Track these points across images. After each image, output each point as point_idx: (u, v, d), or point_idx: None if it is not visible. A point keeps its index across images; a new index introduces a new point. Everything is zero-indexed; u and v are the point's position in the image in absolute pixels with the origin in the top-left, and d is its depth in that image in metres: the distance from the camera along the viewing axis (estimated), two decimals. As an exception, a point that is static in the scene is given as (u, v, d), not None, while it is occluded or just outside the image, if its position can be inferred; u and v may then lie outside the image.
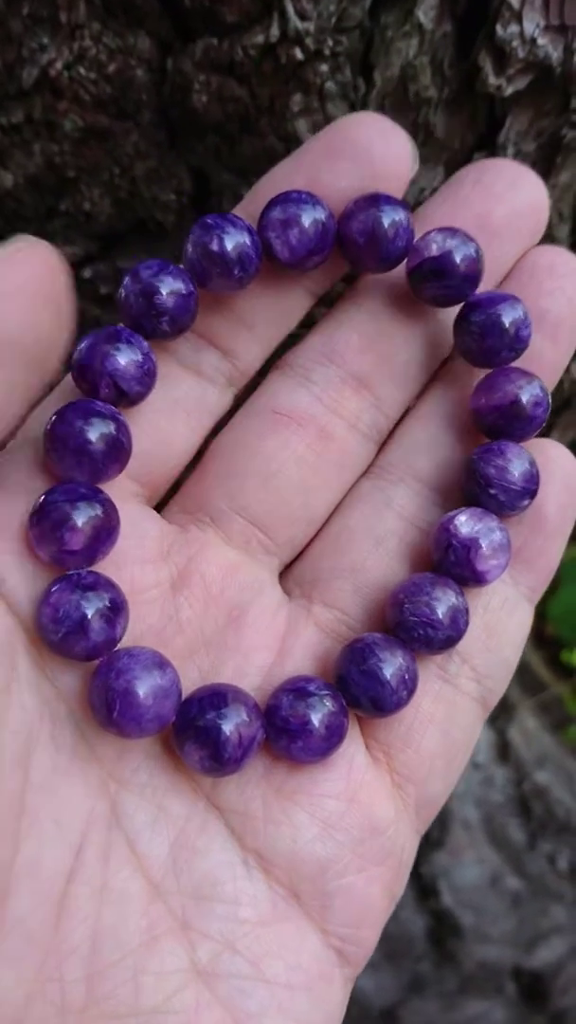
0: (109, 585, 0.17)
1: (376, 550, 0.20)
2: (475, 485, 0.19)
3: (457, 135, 0.23)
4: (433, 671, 0.19)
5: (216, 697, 0.17)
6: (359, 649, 0.18)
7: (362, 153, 0.18)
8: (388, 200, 0.18)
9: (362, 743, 0.19)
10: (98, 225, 0.25)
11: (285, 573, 0.21)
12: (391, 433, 0.21)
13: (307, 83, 0.21)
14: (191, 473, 0.21)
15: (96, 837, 0.17)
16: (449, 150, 0.23)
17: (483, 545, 0.18)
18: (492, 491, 0.19)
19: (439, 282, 0.19)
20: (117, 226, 0.25)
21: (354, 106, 0.22)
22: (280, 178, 0.19)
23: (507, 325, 0.19)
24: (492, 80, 0.21)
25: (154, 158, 0.23)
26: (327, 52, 0.21)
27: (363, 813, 0.18)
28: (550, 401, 0.19)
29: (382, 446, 0.21)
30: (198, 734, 0.16)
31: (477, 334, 0.19)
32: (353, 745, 0.19)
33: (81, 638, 0.16)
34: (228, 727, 0.16)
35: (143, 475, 0.19)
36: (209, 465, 0.20)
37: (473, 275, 0.19)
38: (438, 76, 0.22)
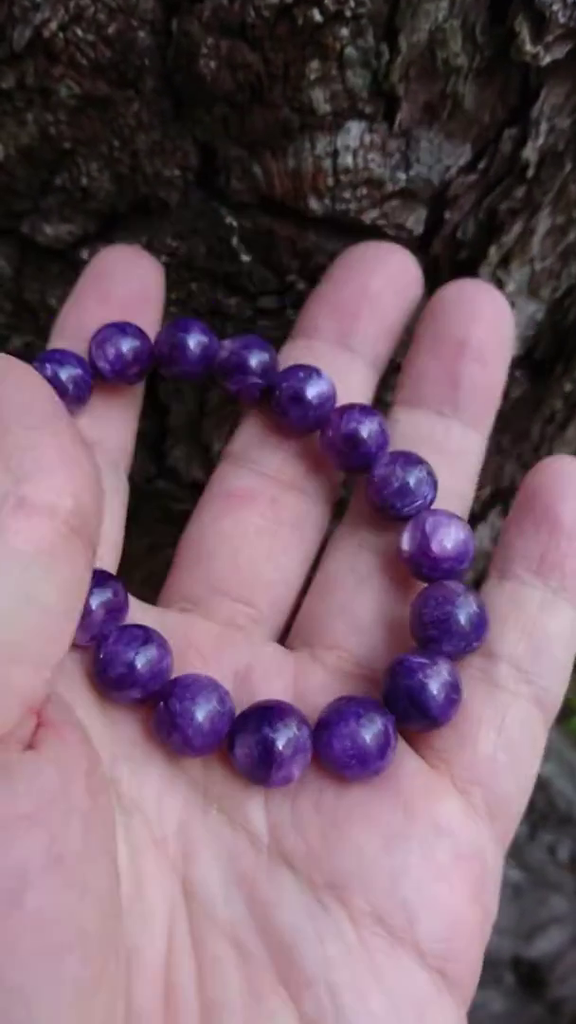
0: (144, 629, 0.19)
1: (360, 587, 0.21)
2: (386, 511, 0.21)
3: (487, 108, 0.21)
4: (476, 676, 0.19)
5: (266, 710, 0.18)
6: (397, 665, 0.18)
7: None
8: (185, 325, 0.22)
9: (412, 753, 0.19)
10: (96, 202, 0.23)
11: (286, 635, 0.21)
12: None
13: (325, 48, 0.19)
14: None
15: (180, 918, 0.17)
16: (478, 125, 0.22)
17: (430, 536, 0.20)
18: (397, 506, 0.20)
19: (235, 377, 0.22)
20: (117, 203, 0.23)
21: (376, 74, 0.20)
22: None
23: (309, 396, 0.21)
24: (528, 48, 0.19)
25: (157, 130, 0.22)
26: (348, 14, 0.19)
27: (424, 818, 0.18)
28: (380, 427, 0.21)
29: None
30: (251, 738, 0.18)
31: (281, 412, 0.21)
32: (401, 754, 0.19)
33: (134, 675, 0.18)
34: (279, 735, 0.17)
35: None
36: (179, 559, 0.21)
37: (267, 366, 0.22)
38: (469, 42, 0.20)
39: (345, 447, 0.21)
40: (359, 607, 0.20)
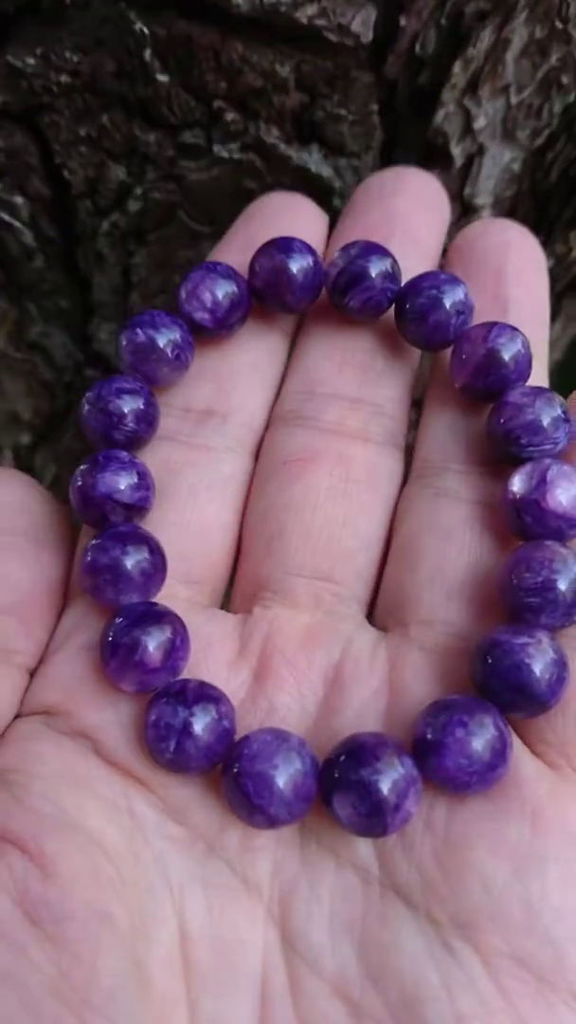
0: (201, 685, 0.16)
1: (448, 545, 0.18)
2: (507, 446, 0.18)
3: None
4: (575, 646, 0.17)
5: (356, 749, 0.15)
6: (487, 646, 0.16)
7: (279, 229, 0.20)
8: (280, 244, 0.19)
9: (528, 752, 0.16)
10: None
11: (374, 610, 0.19)
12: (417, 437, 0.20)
13: None
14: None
15: (277, 972, 0.15)
16: None
17: (549, 487, 0.17)
18: (523, 440, 0.17)
19: (357, 289, 0.19)
20: (3, 5, 0.19)
21: None
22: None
23: (444, 303, 0.19)
24: None
25: None
26: None
27: (557, 829, 0.15)
28: (524, 342, 0.18)
29: (408, 453, 0.20)
30: (351, 792, 0.15)
31: (417, 318, 0.19)
32: (518, 754, 0.16)
33: (193, 746, 0.15)
34: (380, 776, 0.15)
35: (191, 574, 0.18)
36: (248, 541, 0.19)
37: (389, 273, 0.19)
38: None
39: (484, 365, 0.18)
40: (450, 569, 0.18)
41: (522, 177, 0.25)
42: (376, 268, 0.19)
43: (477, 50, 0.20)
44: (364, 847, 0.15)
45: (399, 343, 0.20)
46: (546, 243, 0.27)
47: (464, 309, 0.19)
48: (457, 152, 0.23)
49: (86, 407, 0.18)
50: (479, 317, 0.19)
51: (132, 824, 0.15)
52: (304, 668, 0.17)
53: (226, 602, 0.19)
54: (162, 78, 0.20)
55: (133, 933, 0.14)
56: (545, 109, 0.23)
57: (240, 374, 0.20)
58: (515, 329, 0.18)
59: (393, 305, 0.19)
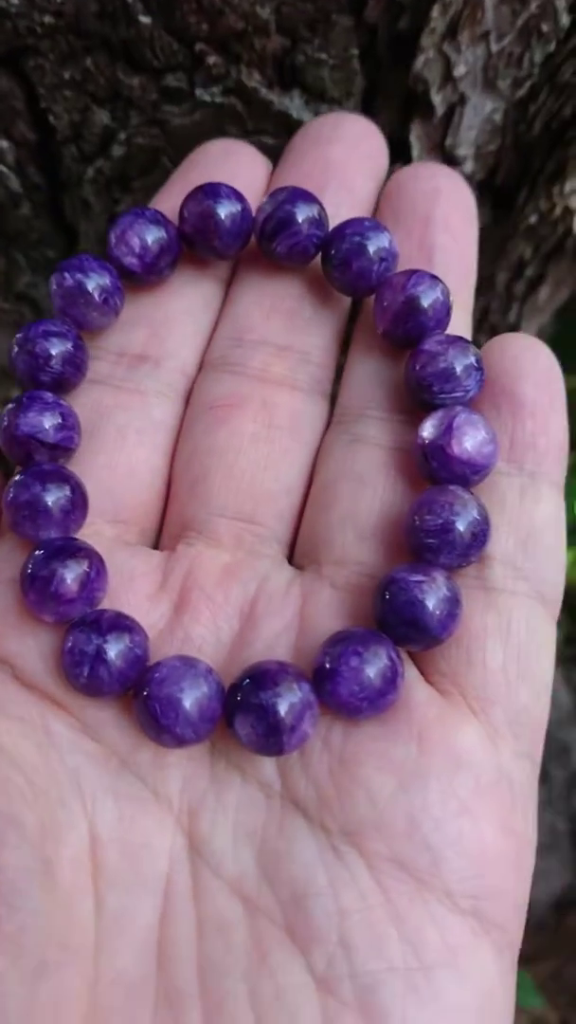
0: (116, 615, 0.17)
1: (362, 489, 0.19)
2: (420, 393, 0.18)
3: None
4: (471, 583, 0.18)
5: (258, 675, 0.16)
6: (386, 584, 0.17)
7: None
8: (208, 190, 0.19)
9: (421, 680, 0.17)
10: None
11: (292, 552, 0.20)
12: (335, 390, 0.21)
13: None
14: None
15: (181, 874, 0.16)
16: None
17: (455, 434, 0.17)
18: (435, 388, 0.18)
19: (285, 234, 0.19)
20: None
21: None
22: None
23: (367, 250, 0.19)
24: None
25: None
26: None
27: (440, 749, 0.16)
28: (443, 290, 0.19)
29: (332, 400, 0.21)
30: (251, 713, 0.16)
31: (342, 265, 0.19)
32: (411, 682, 0.17)
33: (105, 671, 0.16)
34: (279, 699, 0.16)
35: (117, 513, 0.19)
36: (175, 481, 0.20)
37: (315, 219, 0.19)
38: None
39: (403, 312, 0.19)
40: (362, 512, 0.19)
41: (505, 130, 0.25)
42: (303, 214, 0.19)
43: (455, -8, 0.20)
44: (268, 765, 0.17)
45: (328, 290, 0.20)
46: (529, 198, 0.27)
47: (387, 256, 0.19)
48: (438, 100, 0.23)
49: (15, 348, 0.19)
50: (405, 264, 0.20)
51: (47, 741, 0.16)
52: (221, 602, 0.18)
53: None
54: (144, 20, 0.21)
55: (42, 835, 0.15)
56: (526, 58, 0.23)
57: (174, 320, 0.20)
58: (435, 277, 0.19)
59: (320, 252, 0.20)
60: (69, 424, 0.18)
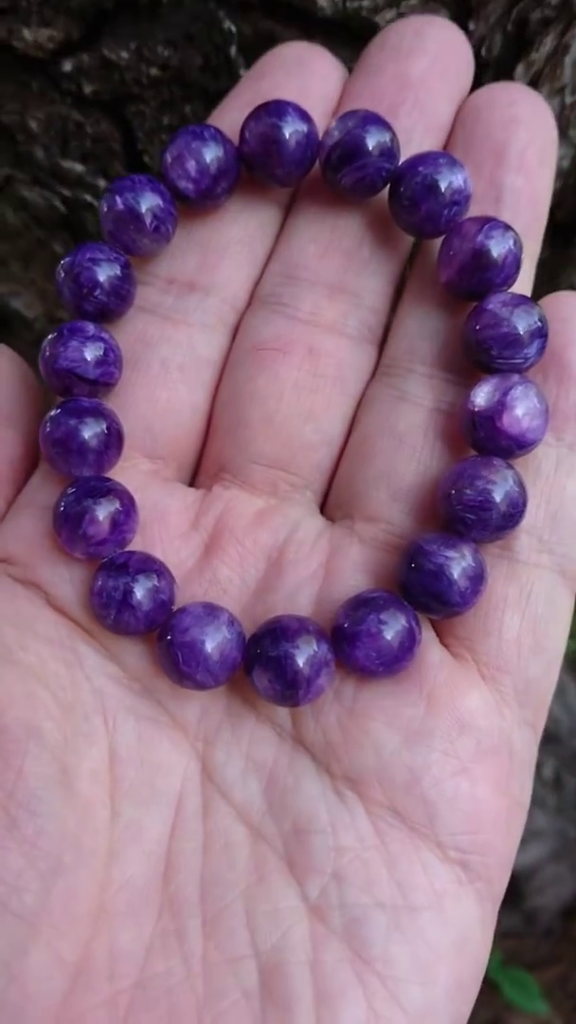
0: (145, 558, 0.18)
1: (401, 448, 0.19)
2: (478, 354, 0.17)
3: None
4: (495, 552, 0.18)
5: (279, 630, 0.17)
6: (414, 552, 0.17)
7: (294, 77, 0.19)
8: (273, 109, 0.18)
9: (436, 642, 0.18)
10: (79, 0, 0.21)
11: (326, 501, 0.20)
12: (386, 333, 0.20)
13: None
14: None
15: (192, 795, 0.17)
16: None
17: (508, 407, 0.17)
18: (493, 352, 0.17)
19: (352, 166, 0.18)
20: (102, 1, 0.21)
21: None
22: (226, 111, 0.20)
23: (438, 189, 0.17)
24: None
25: None
26: None
27: (446, 711, 0.17)
28: (517, 242, 0.17)
29: (382, 346, 0.20)
30: (269, 667, 0.17)
31: (410, 205, 0.18)
32: (426, 644, 0.18)
33: (131, 615, 0.17)
34: (297, 655, 0.16)
35: (155, 449, 0.19)
36: (215, 421, 0.20)
37: (387, 149, 0.18)
38: None
39: (471, 263, 0.17)
40: (398, 472, 0.18)
41: (569, 173, 0.26)
42: (373, 142, 0.17)
43: (539, 54, 0.22)
44: (282, 709, 0.18)
45: (391, 228, 0.19)
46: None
47: (460, 199, 0.18)
48: (512, 148, 0.24)
49: (61, 275, 0.18)
50: (473, 203, 0.18)
51: (75, 659, 0.17)
52: (250, 546, 0.19)
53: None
54: (244, 72, 0.22)
55: (64, 747, 0.16)
56: (595, 110, 0.24)
57: (228, 248, 0.19)
58: (509, 228, 0.17)
59: (388, 186, 0.18)
60: (110, 359, 0.18)
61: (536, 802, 0.77)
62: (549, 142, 0.19)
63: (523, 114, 0.18)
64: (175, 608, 0.17)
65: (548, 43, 0.21)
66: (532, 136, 0.19)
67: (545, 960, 0.84)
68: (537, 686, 0.18)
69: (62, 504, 0.17)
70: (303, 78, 0.19)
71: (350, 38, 0.21)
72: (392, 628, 0.17)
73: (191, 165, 0.18)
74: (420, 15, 0.19)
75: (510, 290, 0.18)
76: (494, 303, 0.17)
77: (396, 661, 0.17)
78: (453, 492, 0.17)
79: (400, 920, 0.16)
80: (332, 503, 0.20)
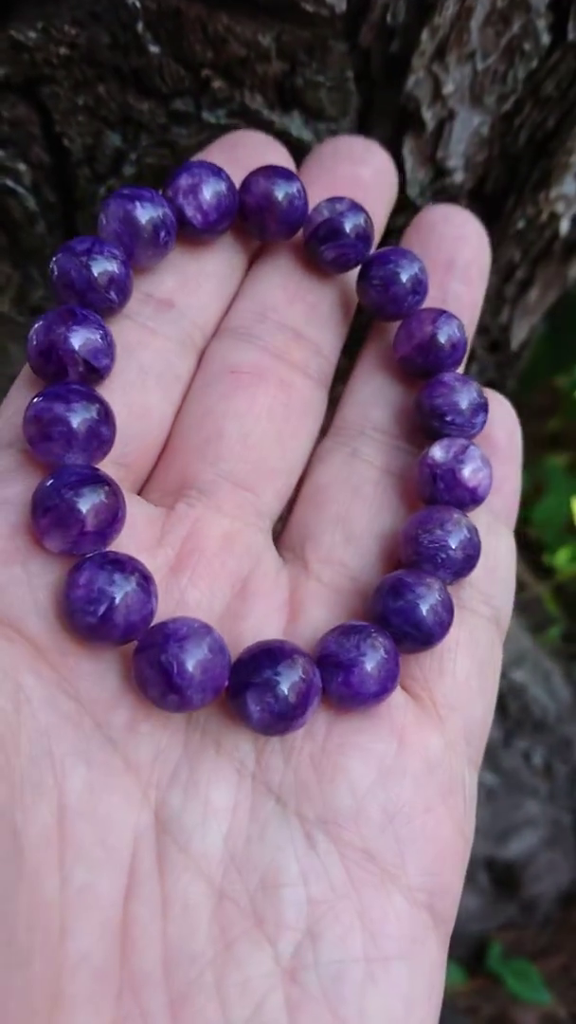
0: (132, 560, 0.16)
1: (355, 499, 0.20)
2: (431, 419, 0.19)
3: None
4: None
5: (274, 651, 0.16)
6: (395, 584, 0.18)
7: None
8: (281, 172, 0.20)
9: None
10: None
11: (277, 541, 0.21)
12: (340, 397, 0.22)
13: None
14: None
15: (147, 850, 0.16)
16: None
17: (465, 462, 0.19)
18: (448, 418, 0.19)
19: (336, 242, 0.20)
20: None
21: None
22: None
23: (405, 279, 0.20)
24: None
25: None
26: None
27: (415, 751, 0.17)
28: (464, 332, 0.20)
29: (334, 408, 0.22)
30: (264, 690, 0.16)
31: (380, 285, 0.20)
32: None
33: (120, 616, 0.16)
34: (293, 679, 0.16)
35: (124, 456, 0.19)
36: (182, 440, 0.20)
37: (365, 234, 0.20)
38: None
39: (427, 344, 0.20)
40: (354, 519, 0.20)
41: (492, 141, 0.27)
42: (354, 227, 0.20)
43: (443, 18, 0.22)
44: (245, 744, 0.17)
45: (345, 301, 0.22)
46: (516, 205, 0.29)
47: (420, 290, 0.20)
48: (428, 116, 0.24)
49: (69, 259, 0.18)
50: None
51: (20, 697, 0.15)
52: (218, 570, 0.18)
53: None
54: (153, 49, 0.22)
55: (11, 804, 0.14)
56: (510, 75, 0.24)
57: (204, 278, 0.21)
58: (460, 321, 0.20)
59: (359, 266, 0.21)
60: (111, 353, 0.18)
61: (528, 790, 0.77)
62: (487, 261, 0.22)
63: (470, 235, 0.22)
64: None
65: (450, 7, 0.22)
66: (475, 255, 0.22)
67: (546, 949, 0.84)
68: (480, 726, 0.19)
69: (51, 490, 0.16)
70: (269, 158, 0.22)
71: (252, 8, 0.21)
72: (380, 655, 0.17)
73: (204, 198, 0.19)
74: (361, 138, 0.23)
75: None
76: (448, 377, 0.20)
77: (383, 691, 0.17)
78: (421, 533, 0.18)
79: (374, 973, 0.15)
80: (284, 545, 0.20)
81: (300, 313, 0.21)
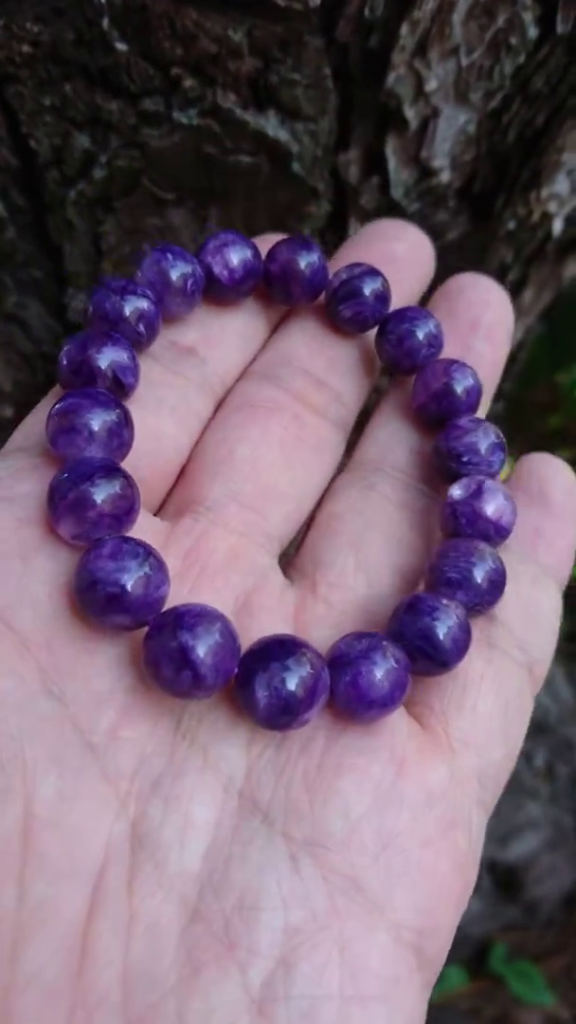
0: (148, 545, 0.16)
1: (369, 530, 0.20)
2: (448, 461, 0.20)
3: None
4: (479, 636, 0.19)
5: (281, 644, 0.16)
6: (411, 603, 0.17)
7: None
8: (303, 243, 0.21)
9: (405, 712, 0.18)
10: None
11: (285, 565, 0.20)
12: (359, 438, 0.22)
13: None
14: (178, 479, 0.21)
15: (117, 864, 0.15)
16: None
17: (485, 497, 0.19)
18: (464, 459, 0.20)
19: (353, 301, 0.21)
20: (-36, -22, 0.20)
21: None
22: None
23: (421, 335, 0.21)
24: None
25: None
26: None
27: (415, 780, 0.17)
28: (478, 380, 0.21)
29: (353, 447, 0.22)
30: (275, 677, 0.16)
31: (396, 341, 0.21)
32: (396, 713, 0.18)
33: (142, 593, 0.16)
34: (296, 672, 0.16)
35: (134, 470, 0.19)
36: (195, 464, 0.20)
37: (382, 295, 0.21)
38: None
39: (442, 392, 0.20)
40: (368, 548, 0.20)
41: (479, 140, 0.25)
42: (371, 289, 0.21)
43: (423, 12, 0.21)
44: (235, 756, 0.16)
45: (367, 358, 0.23)
46: (506, 205, 0.28)
47: (436, 344, 0.21)
48: (411, 114, 0.23)
49: (105, 294, 0.19)
50: (446, 356, 0.22)
51: None
52: (221, 585, 0.18)
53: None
54: (120, 46, 0.21)
55: None
56: (496, 71, 0.23)
57: (228, 333, 0.21)
58: (473, 370, 0.21)
59: (377, 325, 0.22)
60: (136, 375, 0.19)
61: (529, 792, 0.76)
62: (508, 325, 0.23)
63: (495, 300, 0.23)
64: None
65: (430, 0, 0.21)
66: (500, 317, 0.23)
67: (549, 951, 0.84)
68: (496, 770, 0.18)
69: (70, 478, 0.16)
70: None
71: (221, 2, 0.20)
72: (393, 663, 0.16)
73: (230, 258, 0.20)
74: (402, 221, 0.23)
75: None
76: (464, 421, 0.20)
77: (390, 700, 0.16)
78: (444, 561, 0.18)
79: (350, 1013, 0.14)
80: (294, 567, 0.20)
81: (322, 364, 0.22)
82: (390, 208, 0.26)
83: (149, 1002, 0.14)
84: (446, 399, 0.20)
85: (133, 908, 0.15)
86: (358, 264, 0.21)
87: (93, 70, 0.22)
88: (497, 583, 0.18)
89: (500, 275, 0.32)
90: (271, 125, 0.23)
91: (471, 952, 0.80)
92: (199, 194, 0.24)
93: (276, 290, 0.21)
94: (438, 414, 0.21)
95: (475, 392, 0.21)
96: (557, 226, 0.30)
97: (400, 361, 0.21)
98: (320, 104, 0.23)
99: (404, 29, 0.21)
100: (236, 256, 0.21)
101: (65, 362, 0.18)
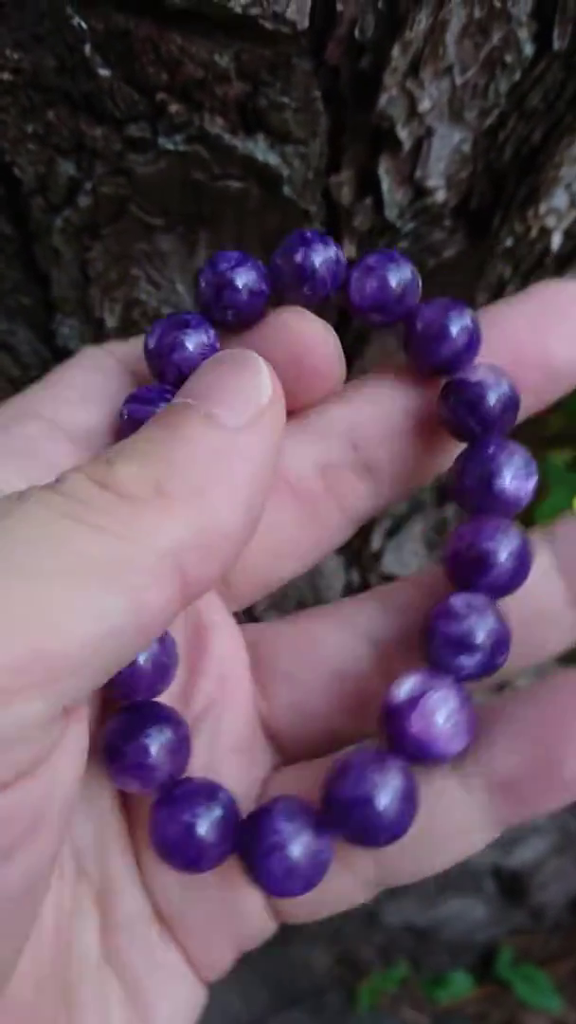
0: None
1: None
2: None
3: None
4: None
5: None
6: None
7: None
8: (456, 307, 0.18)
9: None
10: None
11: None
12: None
13: None
14: None
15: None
16: None
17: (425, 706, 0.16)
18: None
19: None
20: None
21: None
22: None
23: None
24: None
25: None
26: None
27: None
28: (529, 552, 0.17)
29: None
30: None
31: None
32: None
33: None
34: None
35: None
36: None
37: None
38: None
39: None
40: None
41: (475, 158, 0.25)
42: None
43: (415, 32, 0.20)
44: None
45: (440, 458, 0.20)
46: (504, 222, 0.27)
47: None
48: (404, 135, 0.23)
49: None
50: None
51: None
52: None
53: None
54: (104, 72, 0.20)
55: None
56: (491, 89, 0.23)
57: None
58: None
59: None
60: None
61: (533, 797, 0.76)
62: None
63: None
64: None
65: (423, 20, 0.20)
66: None
67: (555, 955, 0.83)
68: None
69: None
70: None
71: (206, 27, 0.19)
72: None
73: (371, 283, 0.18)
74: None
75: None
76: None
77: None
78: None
79: None
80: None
81: (383, 456, 0.19)
82: (384, 228, 0.26)
83: None
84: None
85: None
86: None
87: (76, 96, 0.21)
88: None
89: (498, 289, 0.31)
90: (260, 149, 0.22)
91: (477, 957, 0.80)
92: (188, 219, 0.24)
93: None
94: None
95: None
96: (556, 240, 0.29)
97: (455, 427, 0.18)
98: (310, 127, 0.22)
99: (396, 50, 0.20)
100: (378, 283, 0.18)
101: (156, 349, 0.17)
